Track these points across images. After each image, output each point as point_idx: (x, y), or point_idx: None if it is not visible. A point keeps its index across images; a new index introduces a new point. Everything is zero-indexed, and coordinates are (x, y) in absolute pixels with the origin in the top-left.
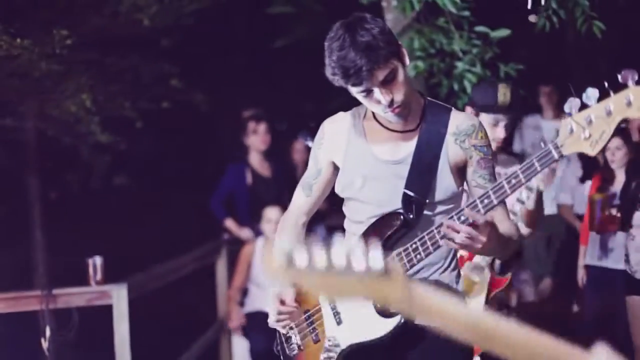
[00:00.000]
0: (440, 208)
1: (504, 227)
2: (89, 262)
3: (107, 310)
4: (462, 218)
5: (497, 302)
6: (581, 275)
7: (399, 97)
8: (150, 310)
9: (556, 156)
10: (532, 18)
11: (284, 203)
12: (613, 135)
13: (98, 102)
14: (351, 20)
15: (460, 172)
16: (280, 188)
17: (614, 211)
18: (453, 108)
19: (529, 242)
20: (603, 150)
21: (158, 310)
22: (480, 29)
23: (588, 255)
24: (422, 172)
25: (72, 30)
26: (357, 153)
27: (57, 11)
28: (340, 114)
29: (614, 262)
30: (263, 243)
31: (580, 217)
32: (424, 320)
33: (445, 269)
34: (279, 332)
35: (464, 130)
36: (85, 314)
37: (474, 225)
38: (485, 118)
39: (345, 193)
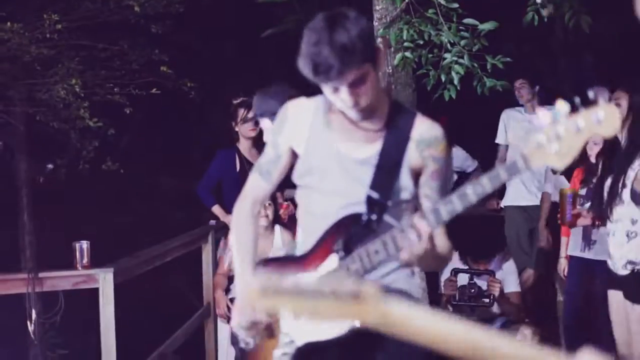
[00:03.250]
0: (400, 210)
1: (439, 241)
2: (75, 246)
3: (94, 294)
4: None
5: (477, 291)
6: (563, 267)
7: (364, 101)
8: (136, 295)
9: (523, 168)
10: (545, 12)
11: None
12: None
13: (87, 87)
14: (333, 16)
15: (416, 177)
16: None
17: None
18: (419, 114)
19: (512, 234)
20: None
21: (144, 294)
22: (468, 21)
23: (570, 247)
24: (385, 174)
25: (63, 15)
26: (320, 143)
27: None
28: (304, 99)
29: (596, 253)
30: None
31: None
32: (407, 337)
33: (400, 267)
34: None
35: (426, 139)
36: (72, 298)
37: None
38: None
39: (303, 181)
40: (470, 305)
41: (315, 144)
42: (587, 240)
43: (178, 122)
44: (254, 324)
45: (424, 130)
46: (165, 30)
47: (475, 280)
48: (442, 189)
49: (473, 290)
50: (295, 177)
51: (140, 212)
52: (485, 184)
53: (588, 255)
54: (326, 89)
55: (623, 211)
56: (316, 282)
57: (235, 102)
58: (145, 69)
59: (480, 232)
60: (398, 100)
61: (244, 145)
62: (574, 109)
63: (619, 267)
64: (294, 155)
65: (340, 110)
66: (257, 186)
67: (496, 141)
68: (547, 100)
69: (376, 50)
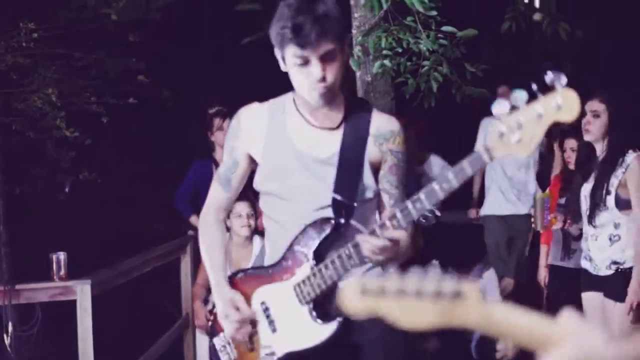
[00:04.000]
0: (365, 208)
1: (406, 239)
2: (52, 257)
3: (71, 305)
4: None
5: None
6: (543, 275)
7: (331, 77)
8: (114, 307)
9: (487, 159)
10: (536, 16)
11: (250, 199)
12: (567, 137)
13: (64, 96)
14: None
15: (376, 172)
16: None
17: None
18: (374, 108)
19: (491, 243)
20: (564, 150)
21: (122, 306)
22: (447, 28)
23: (552, 256)
24: (348, 173)
25: (39, 24)
26: (278, 147)
27: (24, 4)
28: (256, 104)
29: (577, 263)
30: (232, 239)
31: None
32: (504, 337)
33: (373, 267)
34: (212, 342)
35: (384, 133)
36: (49, 309)
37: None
38: None
39: (265, 187)
40: None
41: (273, 147)
42: (567, 250)
43: (155, 132)
44: (242, 323)
45: (381, 125)
46: (142, 39)
47: None
48: (401, 183)
49: None
50: (257, 185)
51: (118, 223)
52: (451, 179)
53: (568, 264)
54: (295, 60)
55: (607, 216)
56: (418, 282)
57: (211, 111)
58: (121, 78)
59: (460, 242)
60: (350, 96)
61: (219, 155)
62: (532, 96)
63: (602, 267)
64: (252, 162)
65: (298, 109)
66: (218, 196)
67: (475, 149)
68: None
69: (347, 36)
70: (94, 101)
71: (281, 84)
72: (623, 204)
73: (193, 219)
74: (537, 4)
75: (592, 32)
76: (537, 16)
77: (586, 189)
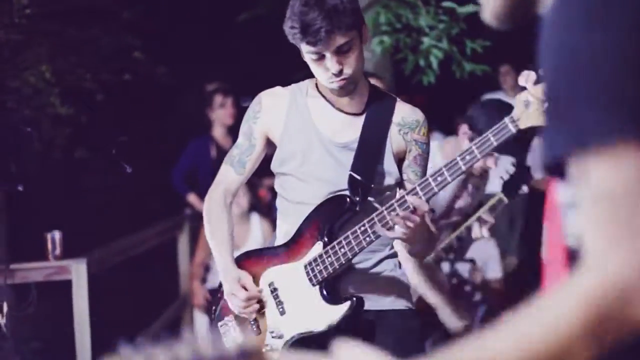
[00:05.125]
0: (384, 194)
1: (428, 221)
2: (47, 236)
3: (67, 285)
4: (404, 205)
5: (458, 281)
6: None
7: (348, 70)
8: (111, 286)
9: (513, 130)
10: None
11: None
12: None
13: (58, 73)
14: None
15: (400, 162)
16: None
17: None
18: (398, 98)
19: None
20: None
21: (119, 285)
22: (447, 4)
23: None
24: (367, 157)
25: (31, 0)
26: (299, 129)
27: None
28: (279, 88)
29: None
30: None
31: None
32: None
33: (387, 257)
34: (215, 324)
35: (409, 123)
36: (45, 288)
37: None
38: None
39: (283, 168)
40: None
41: (294, 129)
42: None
43: (151, 109)
44: (249, 300)
45: (406, 114)
46: (136, 16)
47: (457, 267)
48: (424, 174)
49: (455, 280)
50: (274, 166)
51: (114, 201)
52: (474, 151)
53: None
54: (310, 56)
55: None
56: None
57: (210, 88)
58: (117, 55)
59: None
60: (377, 86)
61: (218, 132)
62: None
63: None
64: (269, 145)
65: (321, 92)
66: (228, 177)
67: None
68: None
69: (362, 22)
70: (88, 78)
71: (277, 62)
72: None
73: (191, 197)
74: None
75: None
76: None
77: None
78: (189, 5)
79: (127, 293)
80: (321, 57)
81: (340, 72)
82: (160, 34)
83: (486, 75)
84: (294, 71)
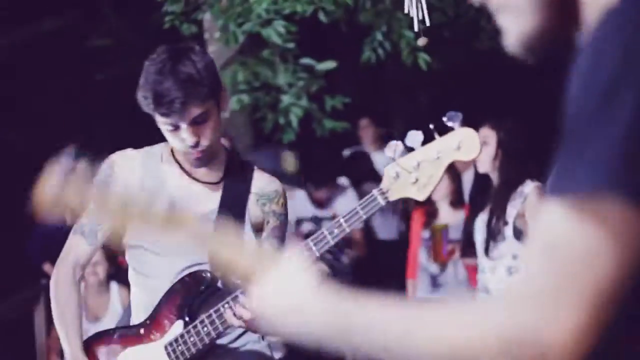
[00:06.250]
0: None
1: None
2: None
3: None
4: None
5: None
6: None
7: (205, 141)
8: None
9: (382, 202)
10: (421, 41)
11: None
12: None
13: None
14: (178, 48)
15: (258, 232)
16: None
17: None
18: (255, 167)
19: None
20: None
21: None
22: (305, 61)
23: (420, 289)
24: (227, 230)
25: None
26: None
27: None
28: (131, 151)
29: (445, 294)
30: None
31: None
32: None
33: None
34: None
35: (267, 193)
36: None
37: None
38: None
39: (135, 240)
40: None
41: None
42: (435, 283)
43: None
44: None
45: (265, 184)
46: None
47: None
48: (282, 245)
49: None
50: (126, 238)
51: None
52: (343, 224)
53: (438, 296)
54: (165, 126)
55: (505, 248)
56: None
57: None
58: None
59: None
60: (235, 150)
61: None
62: (429, 137)
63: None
64: None
65: (176, 159)
66: (79, 249)
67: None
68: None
69: (220, 89)
70: None
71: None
72: (521, 235)
73: (46, 267)
74: (416, 27)
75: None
76: (421, 41)
77: (481, 220)
78: (44, 66)
79: None
80: (176, 128)
81: (197, 144)
82: (11, 99)
83: (347, 131)
84: (155, 136)
